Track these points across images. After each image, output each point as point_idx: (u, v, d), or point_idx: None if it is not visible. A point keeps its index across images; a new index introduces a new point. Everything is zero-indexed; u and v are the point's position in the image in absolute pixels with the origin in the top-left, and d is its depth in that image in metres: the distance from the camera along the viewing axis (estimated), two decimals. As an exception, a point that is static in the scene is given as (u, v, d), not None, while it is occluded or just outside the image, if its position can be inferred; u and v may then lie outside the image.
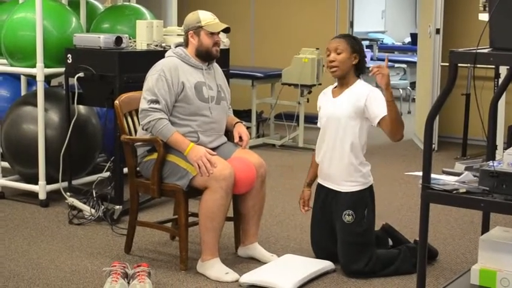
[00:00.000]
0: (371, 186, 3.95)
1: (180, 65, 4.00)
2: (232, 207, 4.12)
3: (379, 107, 3.81)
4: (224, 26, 4.07)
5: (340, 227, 3.90)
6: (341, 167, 3.90)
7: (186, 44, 4.09)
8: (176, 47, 4.12)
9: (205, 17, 4.06)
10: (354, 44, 3.92)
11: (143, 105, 3.93)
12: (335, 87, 4.00)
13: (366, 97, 3.84)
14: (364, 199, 3.89)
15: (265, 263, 4.00)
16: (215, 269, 3.85)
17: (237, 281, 3.79)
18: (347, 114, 3.87)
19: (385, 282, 3.83)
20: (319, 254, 4.07)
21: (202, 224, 3.85)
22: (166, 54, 4.10)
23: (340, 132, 3.89)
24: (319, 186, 4.04)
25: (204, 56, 4.05)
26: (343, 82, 3.95)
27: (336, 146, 3.91)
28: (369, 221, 3.90)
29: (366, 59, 4.02)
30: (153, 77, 3.94)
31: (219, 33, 4.07)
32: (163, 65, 3.99)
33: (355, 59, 3.90)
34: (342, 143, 3.89)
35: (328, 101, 3.98)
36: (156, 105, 3.89)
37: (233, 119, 4.24)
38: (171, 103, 3.94)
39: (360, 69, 3.95)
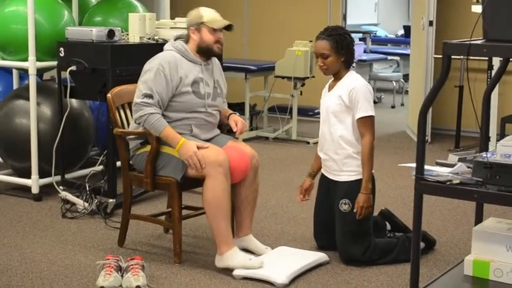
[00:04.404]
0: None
1: (179, 60, 3.96)
2: (226, 200, 4.12)
3: (357, 107, 3.87)
4: (226, 23, 4.02)
5: (338, 215, 3.94)
6: (336, 158, 3.96)
7: (187, 39, 4.05)
8: (176, 39, 4.08)
9: (207, 14, 4.02)
10: (339, 42, 3.89)
11: (137, 98, 3.89)
12: (332, 80, 4.05)
13: (348, 93, 3.89)
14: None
15: (259, 255, 4.00)
16: (238, 258, 3.79)
17: (262, 263, 3.76)
18: (335, 108, 3.94)
19: (378, 273, 3.84)
20: (320, 237, 4.12)
21: (210, 214, 3.79)
22: (165, 47, 4.06)
23: (332, 125, 3.96)
24: (322, 175, 4.10)
25: (205, 52, 4.01)
26: (335, 76, 4.01)
27: (329, 139, 3.98)
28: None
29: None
30: (152, 70, 3.89)
31: (221, 31, 4.03)
32: (163, 58, 3.94)
33: (343, 56, 3.91)
34: (335, 136, 3.95)
35: (325, 95, 4.07)
36: (149, 100, 3.85)
37: (227, 111, 4.22)
38: (167, 98, 3.90)
39: (349, 62, 3.97)
